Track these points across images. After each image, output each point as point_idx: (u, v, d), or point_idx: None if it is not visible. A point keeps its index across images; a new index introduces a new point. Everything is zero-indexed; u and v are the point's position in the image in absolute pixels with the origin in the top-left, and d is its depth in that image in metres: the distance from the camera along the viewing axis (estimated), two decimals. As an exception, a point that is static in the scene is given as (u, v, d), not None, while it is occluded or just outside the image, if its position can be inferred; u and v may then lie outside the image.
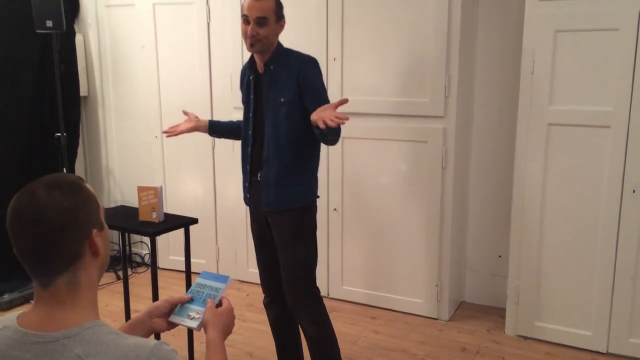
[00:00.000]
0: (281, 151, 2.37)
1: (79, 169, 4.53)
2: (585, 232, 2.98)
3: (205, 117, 3.56)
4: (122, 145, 4.50)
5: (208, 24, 3.85)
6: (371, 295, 3.63)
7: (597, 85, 2.86)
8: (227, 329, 1.44)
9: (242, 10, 2.33)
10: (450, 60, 3.17)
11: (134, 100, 4.35)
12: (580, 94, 2.90)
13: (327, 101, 2.33)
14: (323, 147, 2.54)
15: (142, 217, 2.84)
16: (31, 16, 3.65)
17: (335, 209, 3.62)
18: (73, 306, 1.13)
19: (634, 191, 2.84)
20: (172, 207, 4.04)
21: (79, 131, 4.46)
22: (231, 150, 3.75)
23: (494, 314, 3.52)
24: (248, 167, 2.50)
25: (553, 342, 3.14)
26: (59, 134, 3.95)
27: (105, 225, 1.21)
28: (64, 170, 3.99)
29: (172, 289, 3.91)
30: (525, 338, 3.21)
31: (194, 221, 2.91)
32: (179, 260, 3.88)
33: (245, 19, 2.30)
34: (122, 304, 3.29)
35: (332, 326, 2.56)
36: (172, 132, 2.66)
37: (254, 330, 3.36)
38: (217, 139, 3.80)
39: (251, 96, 2.46)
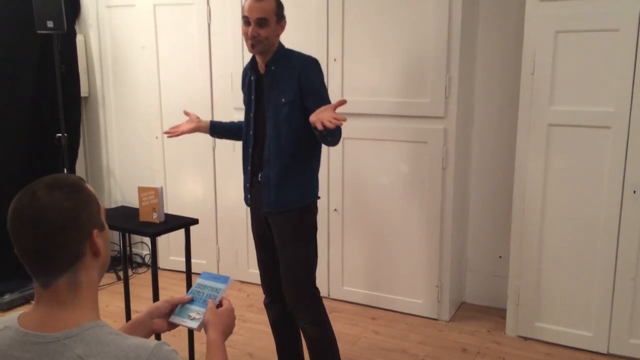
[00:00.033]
0: (282, 152, 2.37)
1: (80, 170, 4.54)
2: (585, 233, 2.98)
3: (205, 117, 3.56)
4: (123, 145, 4.50)
5: (209, 24, 3.86)
6: (371, 295, 3.63)
7: (597, 86, 2.86)
8: (227, 330, 1.44)
9: (242, 11, 2.33)
10: (451, 60, 3.18)
11: (134, 100, 4.35)
12: (581, 95, 2.90)
13: (328, 102, 2.33)
14: (324, 147, 2.54)
15: (143, 217, 2.84)
16: (32, 16, 3.66)
17: (335, 210, 3.62)
18: (74, 306, 1.13)
19: (634, 192, 2.84)
20: (172, 207, 4.05)
21: (79, 132, 4.47)
22: (232, 150, 3.75)
23: (495, 314, 3.52)
24: (249, 168, 2.50)
25: (553, 343, 3.13)
26: (60, 135, 3.96)
27: (106, 226, 1.21)
28: (65, 171, 3.99)
29: (172, 289, 3.91)
30: (526, 339, 3.21)
31: (195, 222, 2.91)
32: (179, 261, 3.88)
33: (246, 20, 2.31)
34: (122, 304, 3.29)
35: (331, 327, 2.55)
36: (173, 133, 2.65)
37: (255, 331, 3.36)
38: (217, 140, 3.80)
39: (252, 97, 2.46)
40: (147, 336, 1.42)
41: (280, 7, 2.35)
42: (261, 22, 2.28)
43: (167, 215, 2.92)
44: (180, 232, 2.89)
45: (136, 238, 4.43)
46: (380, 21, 3.31)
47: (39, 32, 3.67)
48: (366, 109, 3.41)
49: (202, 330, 1.43)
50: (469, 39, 3.34)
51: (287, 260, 2.46)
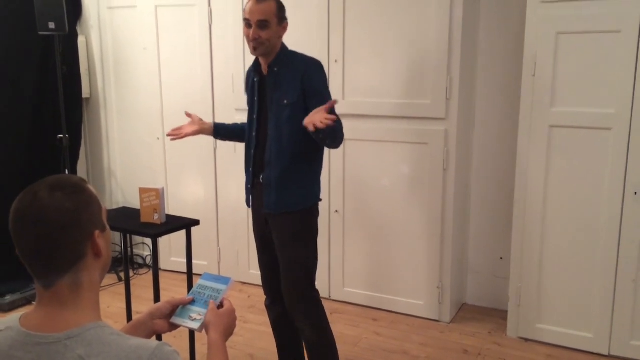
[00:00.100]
0: (283, 153, 2.37)
1: (81, 171, 4.54)
2: (586, 234, 2.98)
3: (207, 119, 3.56)
4: (124, 146, 4.50)
5: (210, 25, 3.86)
6: (372, 297, 3.63)
7: (598, 88, 2.86)
8: (228, 331, 1.44)
9: (244, 14, 2.34)
10: (452, 62, 3.18)
11: (135, 101, 4.36)
12: (582, 96, 2.90)
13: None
14: (325, 149, 2.54)
15: (144, 218, 2.84)
16: (33, 17, 3.67)
17: (336, 211, 3.62)
18: (75, 307, 1.13)
19: (635, 193, 2.84)
20: (173, 208, 4.04)
21: (81, 133, 4.47)
22: (233, 152, 3.76)
23: (496, 316, 3.51)
24: (251, 169, 2.51)
25: (555, 344, 3.13)
26: (61, 136, 3.96)
27: (108, 227, 1.22)
28: (66, 172, 4.00)
29: (173, 290, 3.91)
30: (527, 340, 3.21)
31: (196, 223, 2.91)
32: (180, 262, 3.88)
33: (247, 23, 2.31)
34: (123, 305, 3.29)
35: (331, 330, 2.55)
36: (176, 136, 2.62)
37: (255, 332, 3.36)
38: (219, 141, 3.80)
39: (255, 98, 2.46)
40: (149, 337, 1.42)
41: (281, 9, 2.36)
42: (262, 24, 2.28)
43: (168, 216, 2.92)
44: (182, 233, 2.89)
45: (137, 239, 4.43)
46: (381, 22, 3.32)
47: (40, 33, 3.68)
48: (367, 110, 3.42)
49: (203, 331, 1.44)
50: (470, 40, 3.34)
51: (287, 260, 2.46)
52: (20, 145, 4.08)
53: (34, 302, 1.39)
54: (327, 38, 3.45)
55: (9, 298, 3.69)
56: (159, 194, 2.80)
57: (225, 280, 1.57)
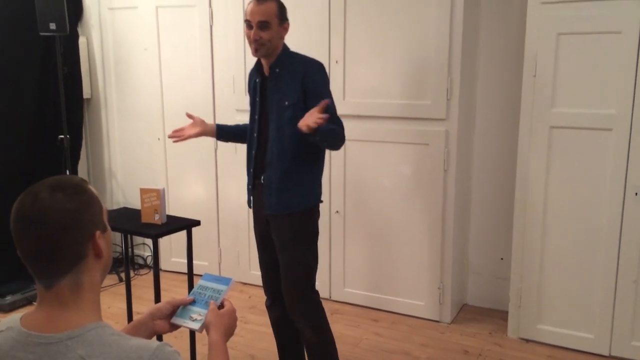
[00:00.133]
0: (284, 154, 2.37)
1: (82, 171, 4.54)
2: (587, 235, 2.98)
3: (207, 119, 3.56)
4: (125, 147, 4.51)
5: (211, 26, 3.86)
6: (373, 297, 3.63)
7: (599, 88, 2.86)
8: (229, 331, 1.44)
9: (245, 15, 2.34)
10: (453, 62, 3.18)
11: (136, 102, 4.36)
12: (583, 97, 2.90)
13: (332, 106, 2.31)
14: (326, 150, 2.54)
15: (145, 219, 2.84)
16: (34, 18, 3.67)
17: (337, 211, 3.62)
18: (76, 307, 1.13)
19: (636, 194, 2.84)
20: (174, 209, 4.04)
21: (81, 133, 4.47)
22: (233, 152, 3.76)
23: (496, 316, 3.51)
24: (252, 170, 2.51)
25: (555, 345, 3.13)
26: (62, 136, 3.97)
27: (108, 227, 1.22)
28: (67, 172, 4.00)
29: (174, 290, 3.91)
30: (528, 341, 3.21)
31: (197, 223, 2.91)
32: (181, 262, 3.88)
33: (248, 24, 2.31)
34: (124, 305, 3.29)
35: (331, 331, 2.55)
36: (179, 138, 2.60)
37: (256, 332, 3.37)
38: (219, 141, 3.81)
39: (257, 99, 2.47)
40: (149, 337, 1.43)
41: (282, 10, 2.36)
42: (263, 25, 2.28)
43: (169, 217, 2.92)
44: (182, 234, 2.89)
45: (138, 239, 4.43)
46: (382, 23, 3.32)
47: (41, 34, 3.68)
48: (368, 111, 3.42)
49: (204, 331, 1.44)
50: (471, 40, 3.34)
51: (287, 260, 2.46)
52: (21, 146, 4.08)
53: (34, 303, 1.39)
54: (328, 39, 3.46)
55: (9, 298, 3.69)
56: (160, 194, 2.80)
57: (225, 281, 1.57)
